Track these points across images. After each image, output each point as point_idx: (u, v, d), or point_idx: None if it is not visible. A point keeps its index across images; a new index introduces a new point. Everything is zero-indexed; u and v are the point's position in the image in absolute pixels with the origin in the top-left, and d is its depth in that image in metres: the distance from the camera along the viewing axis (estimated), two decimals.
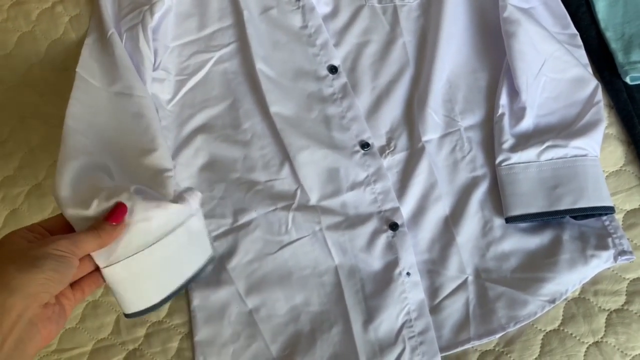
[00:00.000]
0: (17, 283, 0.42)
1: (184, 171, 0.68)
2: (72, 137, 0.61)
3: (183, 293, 0.66)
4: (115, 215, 0.50)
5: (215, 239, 0.66)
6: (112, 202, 0.51)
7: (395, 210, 0.64)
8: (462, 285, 0.62)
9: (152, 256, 0.54)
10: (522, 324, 0.60)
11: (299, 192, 0.66)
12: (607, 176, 0.64)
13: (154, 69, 0.70)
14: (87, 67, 0.67)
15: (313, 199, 0.65)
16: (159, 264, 0.55)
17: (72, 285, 0.49)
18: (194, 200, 0.57)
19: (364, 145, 0.66)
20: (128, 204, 0.51)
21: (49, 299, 0.44)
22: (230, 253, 0.65)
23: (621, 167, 0.64)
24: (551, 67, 0.63)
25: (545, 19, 0.67)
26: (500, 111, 0.64)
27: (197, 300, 0.65)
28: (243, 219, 0.66)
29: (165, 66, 0.71)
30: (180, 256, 0.56)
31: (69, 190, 0.54)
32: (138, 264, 0.53)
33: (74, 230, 0.51)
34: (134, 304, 0.54)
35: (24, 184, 0.72)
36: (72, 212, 0.52)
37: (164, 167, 0.59)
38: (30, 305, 0.42)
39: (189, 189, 0.58)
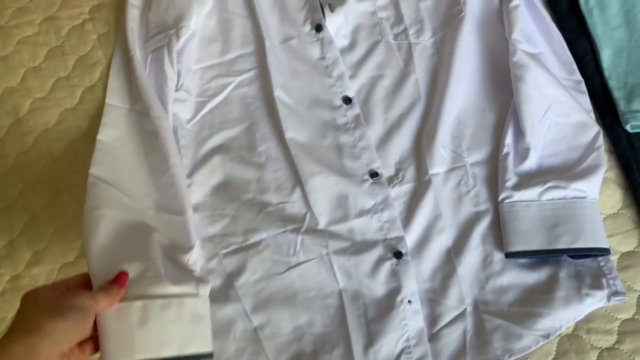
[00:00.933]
0: (48, 329, 0.46)
1: (199, 189, 0.71)
2: (97, 187, 0.65)
3: None
4: (119, 280, 0.56)
5: (225, 256, 0.69)
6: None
7: (400, 239, 0.67)
8: (461, 316, 0.64)
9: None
10: (517, 356, 0.62)
11: (308, 215, 0.69)
12: (604, 218, 0.67)
13: (177, 90, 0.73)
14: (115, 93, 0.72)
15: (322, 223, 0.68)
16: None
17: (79, 344, 0.52)
18: (204, 289, 0.60)
19: (374, 174, 0.69)
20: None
21: (68, 348, 0.48)
22: (238, 271, 0.68)
23: (618, 210, 0.67)
24: (556, 111, 0.67)
25: (552, 64, 0.71)
26: (505, 150, 0.67)
27: None
28: (253, 239, 0.69)
29: (187, 87, 0.74)
30: (177, 331, 0.56)
31: (98, 268, 0.57)
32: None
33: (90, 288, 0.56)
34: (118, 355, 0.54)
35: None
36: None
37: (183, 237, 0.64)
38: (55, 351, 0.46)
39: (201, 280, 0.61)
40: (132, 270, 0.57)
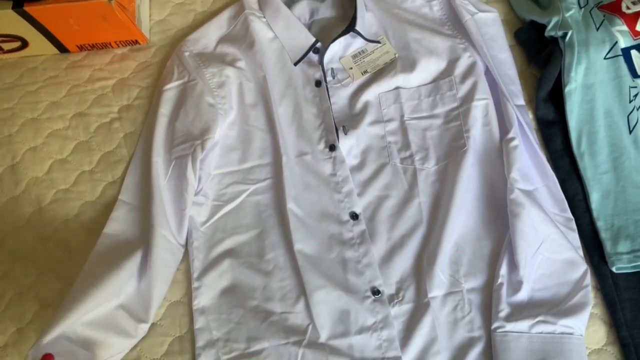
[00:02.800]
0: None
1: (208, 292, 0.75)
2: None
3: None
4: None
5: None
6: None
7: (398, 359, 0.70)
8: None
9: None
10: None
11: (310, 328, 0.72)
12: (589, 353, 0.71)
13: (195, 194, 0.78)
14: (129, 191, 0.80)
15: (323, 337, 0.71)
16: None
17: None
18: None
19: (375, 292, 0.73)
20: None
21: None
22: None
23: (602, 346, 0.71)
24: (548, 248, 0.71)
25: (545, 200, 0.76)
26: (499, 280, 0.71)
27: None
28: (255, 347, 0.72)
29: (205, 192, 0.79)
30: None
31: None
32: None
33: None
34: None
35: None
36: None
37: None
38: None
39: None
40: None
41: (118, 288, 0.71)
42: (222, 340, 0.73)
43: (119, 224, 0.78)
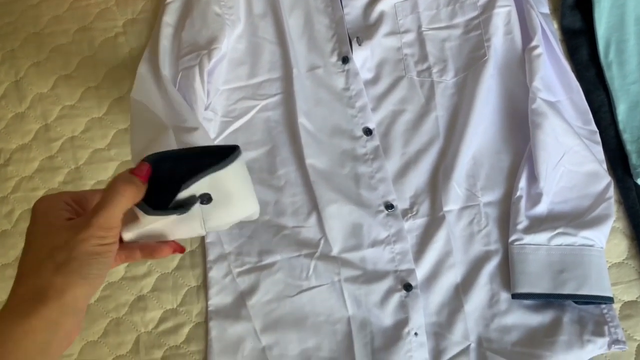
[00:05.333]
0: (68, 299, 0.39)
1: None
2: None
3: (203, 322, 0.70)
4: (139, 171, 0.45)
5: (239, 275, 0.71)
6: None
7: (411, 271, 0.69)
8: (465, 351, 0.66)
9: None
10: None
11: (322, 241, 0.71)
12: (609, 267, 0.69)
13: (204, 109, 0.75)
14: (142, 93, 0.72)
15: (335, 250, 0.70)
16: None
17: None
18: None
19: (389, 206, 0.71)
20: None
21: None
22: (251, 290, 0.70)
23: (623, 260, 0.69)
24: (570, 160, 0.69)
25: (569, 112, 0.73)
26: (518, 193, 0.69)
27: (215, 331, 0.70)
28: (267, 260, 0.71)
29: (214, 107, 0.76)
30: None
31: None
32: None
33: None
34: None
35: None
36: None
37: None
38: (78, 318, 0.40)
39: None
40: None
41: None
42: (233, 253, 0.72)
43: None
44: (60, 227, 0.41)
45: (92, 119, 0.80)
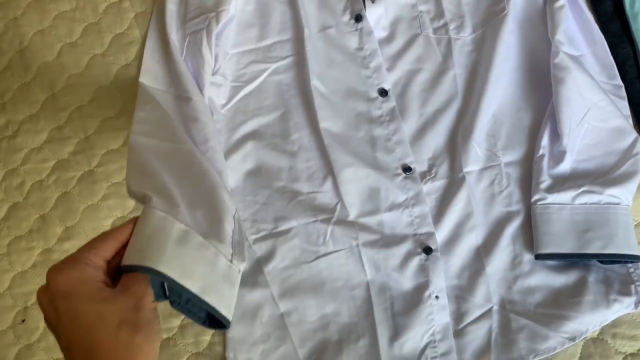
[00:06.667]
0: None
1: (231, 174, 0.71)
2: (138, 155, 0.61)
3: None
4: None
5: (255, 242, 0.69)
6: None
7: (430, 235, 0.67)
8: (487, 314, 0.65)
9: None
10: (541, 357, 0.63)
11: (339, 206, 0.69)
12: (636, 225, 0.67)
13: (213, 74, 0.73)
14: (150, 74, 0.70)
15: (352, 215, 0.69)
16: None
17: None
18: (238, 262, 0.55)
19: (406, 169, 0.69)
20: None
21: None
22: (267, 257, 0.69)
23: None
24: (594, 116, 0.66)
25: (593, 67, 0.70)
26: (540, 152, 0.67)
27: None
28: (283, 226, 0.70)
29: (223, 72, 0.74)
30: (205, 274, 0.51)
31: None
32: None
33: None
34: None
35: (77, 169, 0.75)
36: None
37: (223, 207, 0.58)
38: None
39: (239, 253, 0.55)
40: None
41: None
42: (248, 221, 0.70)
43: (151, 105, 0.68)
44: (111, 295, 0.43)
45: (100, 87, 0.78)
